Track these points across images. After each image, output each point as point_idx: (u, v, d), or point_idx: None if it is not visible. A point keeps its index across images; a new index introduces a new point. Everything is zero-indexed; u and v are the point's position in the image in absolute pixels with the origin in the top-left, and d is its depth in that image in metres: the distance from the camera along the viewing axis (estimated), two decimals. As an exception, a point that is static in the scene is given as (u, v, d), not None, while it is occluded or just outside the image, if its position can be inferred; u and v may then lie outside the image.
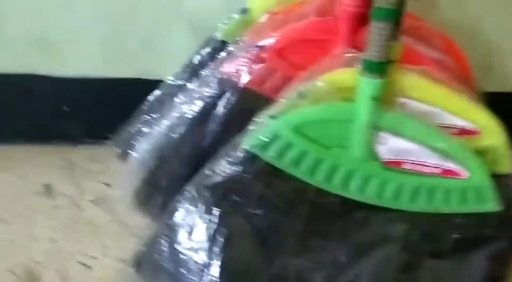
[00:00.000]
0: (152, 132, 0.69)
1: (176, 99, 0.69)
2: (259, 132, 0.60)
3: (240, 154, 0.60)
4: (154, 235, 0.63)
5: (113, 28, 0.90)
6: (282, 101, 0.61)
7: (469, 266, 0.66)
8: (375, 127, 0.61)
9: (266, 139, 0.60)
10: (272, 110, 0.61)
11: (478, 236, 0.66)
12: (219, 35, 0.73)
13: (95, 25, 0.90)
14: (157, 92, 0.74)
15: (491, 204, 0.66)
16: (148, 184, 0.70)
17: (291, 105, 0.60)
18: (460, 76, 0.75)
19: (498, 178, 0.67)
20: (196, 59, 0.73)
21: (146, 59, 0.84)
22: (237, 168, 0.60)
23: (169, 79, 0.73)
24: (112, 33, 0.90)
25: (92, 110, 0.91)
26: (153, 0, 0.88)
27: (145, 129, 0.70)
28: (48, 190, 0.82)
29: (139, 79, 0.87)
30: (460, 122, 0.66)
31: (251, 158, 0.60)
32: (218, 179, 0.60)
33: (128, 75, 0.89)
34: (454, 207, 0.65)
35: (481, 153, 0.67)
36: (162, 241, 0.62)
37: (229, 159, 0.60)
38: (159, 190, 0.68)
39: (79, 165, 0.87)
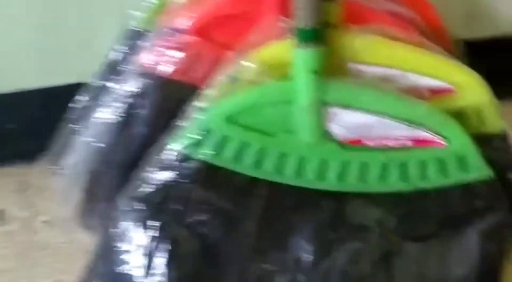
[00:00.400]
0: (78, 144, 0.62)
1: (98, 103, 0.62)
2: (188, 129, 0.52)
3: (170, 157, 0.52)
4: (93, 257, 0.57)
5: (46, 35, 0.84)
6: (210, 90, 0.53)
7: (460, 245, 0.57)
8: (322, 104, 0.53)
9: (198, 136, 0.52)
10: (200, 101, 0.53)
11: (466, 210, 0.57)
12: (137, 25, 0.64)
13: (26, 35, 0.84)
14: (80, 97, 0.67)
15: (477, 172, 0.57)
16: (85, 201, 0.63)
17: (221, 93, 0.52)
18: (427, 28, 0.66)
19: (484, 140, 0.59)
20: (116, 55, 0.65)
21: (86, 61, 0.77)
22: (170, 173, 0.52)
23: (92, 81, 0.66)
24: (46, 41, 0.84)
25: (41, 123, 0.84)
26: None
27: (72, 141, 0.64)
28: (0, 215, 0.76)
29: (83, 83, 0.80)
30: (429, 83, 0.58)
31: (184, 160, 0.52)
32: (151, 188, 0.52)
33: (70, 81, 0.82)
34: (433, 180, 0.56)
35: (460, 114, 0.59)
36: (101, 263, 0.55)
37: (159, 164, 0.52)
38: (98, 207, 0.62)
39: (35, 184, 0.81)
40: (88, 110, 0.63)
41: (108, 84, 0.61)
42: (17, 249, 0.71)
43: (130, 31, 0.64)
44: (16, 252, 0.70)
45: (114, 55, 0.64)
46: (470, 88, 0.58)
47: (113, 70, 0.63)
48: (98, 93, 0.63)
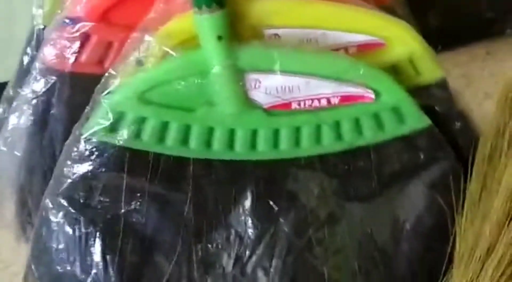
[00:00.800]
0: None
1: (12, 109, 0.59)
2: (99, 115, 0.49)
3: (84, 147, 0.49)
4: (30, 260, 0.53)
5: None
6: (117, 74, 0.50)
7: (406, 200, 0.55)
8: (237, 71, 0.50)
9: (109, 121, 0.49)
10: (108, 86, 0.50)
11: (409, 164, 0.55)
12: (38, 23, 0.60)
13: None
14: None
15: (415, 122, 0.55)
16: (19, 213, 0.61)
17: (129, 76, 0.49)
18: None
19: (422, 91, 0.56)
20: (25, 58, 0.61)
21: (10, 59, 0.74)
22: (88, 164, 0.49)
23: (7, 92, 0.64)
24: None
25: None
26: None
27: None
28: None
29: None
30: (355, 39, 0.55)
31: (99, 148, 0.49)
32: (70, 182, 0.50)
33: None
34: (370, 137, 0.54)
35: (395, 67, 0.56)
36: (39, 265, 0.52)
37: (74, 156, 0.49)
38: (34, 216, 0.59)
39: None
40: (4, 118, 0.61)
41: (20, 88, 0.59)
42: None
43: (35, 30, 0.62)
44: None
45: (24, 58, 0.62)
46: (401, 39, 0.55)
47: (24, 73, 0.61)
48: (12, 99, 0.61)
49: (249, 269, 0.53)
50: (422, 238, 0.56)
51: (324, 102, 0.54)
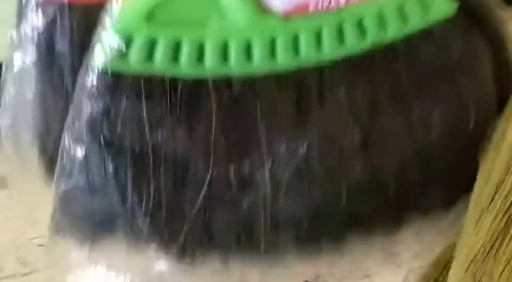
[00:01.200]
0: (7, 100, 0.56)
1: (16, 52, 0.55)
2: (105, 44, 0.45)
3: (97, 81, 0.46)
4: (54, 205, 0.50)
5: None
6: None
7: (438, 93, 0.52)
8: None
9: (119, 48, 0.45)
10: (111, 12, 0.46)
11: (438, 56, 0.51)
12: None
13: None
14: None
15: (441, 9, 0.51)
16: (43, 158, 0.58)
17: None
18: None
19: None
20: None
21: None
22: (104, 98, 0.46)
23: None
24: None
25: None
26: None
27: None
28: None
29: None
30: None
31: (113, 78, 0.46)
32: (89, 120, 0.46)
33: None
34: (395, 30, 0.50)
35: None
36: (67, 209, 0.50)
37: (88, 93, 0.46)
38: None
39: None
40: (10, 62, 0.57)
41: (22, 28, 0.55)
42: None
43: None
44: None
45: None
46: None
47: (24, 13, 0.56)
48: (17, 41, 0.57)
49: (285, 184, 0.51)
50: (455, 136, 0.53)
51: (343, 0, 0.50)
